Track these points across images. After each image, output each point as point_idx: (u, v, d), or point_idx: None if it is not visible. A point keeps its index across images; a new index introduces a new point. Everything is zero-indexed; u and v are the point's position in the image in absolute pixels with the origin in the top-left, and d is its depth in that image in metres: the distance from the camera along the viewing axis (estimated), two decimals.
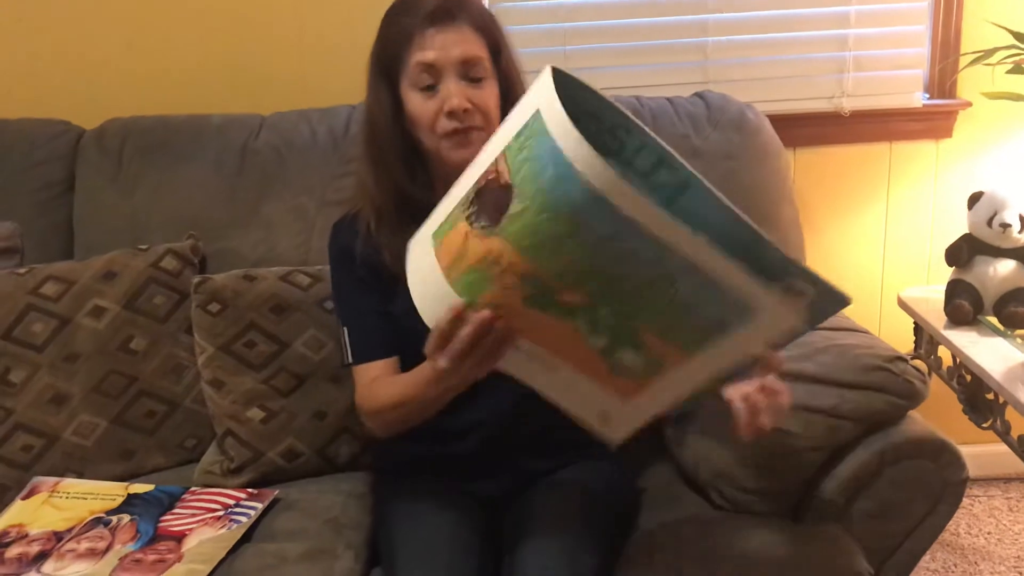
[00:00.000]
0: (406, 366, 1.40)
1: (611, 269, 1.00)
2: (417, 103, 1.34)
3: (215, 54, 2.09)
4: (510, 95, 1.38)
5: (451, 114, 1.32)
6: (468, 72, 1.33)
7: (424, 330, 1.22)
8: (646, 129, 1.09)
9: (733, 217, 1.06)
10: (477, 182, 1.05)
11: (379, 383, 1.40)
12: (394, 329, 1.40)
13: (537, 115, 0.97)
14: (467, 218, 1.05)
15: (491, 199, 1.03)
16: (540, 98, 0.98)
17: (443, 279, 1.07)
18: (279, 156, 1.87)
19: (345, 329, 1.44)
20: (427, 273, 1.09)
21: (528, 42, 2.13)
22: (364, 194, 1.43)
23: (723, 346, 1.05)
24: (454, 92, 1.31)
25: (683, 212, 1.03)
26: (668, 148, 1.09)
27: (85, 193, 1.89)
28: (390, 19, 1.38)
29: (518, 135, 1.00)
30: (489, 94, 1.35)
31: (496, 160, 1.02)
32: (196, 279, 1.63)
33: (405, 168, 1.39)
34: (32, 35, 2.07)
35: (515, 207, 0.99)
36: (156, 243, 1.75)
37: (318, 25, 2.08)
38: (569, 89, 0.97)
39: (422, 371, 1.28)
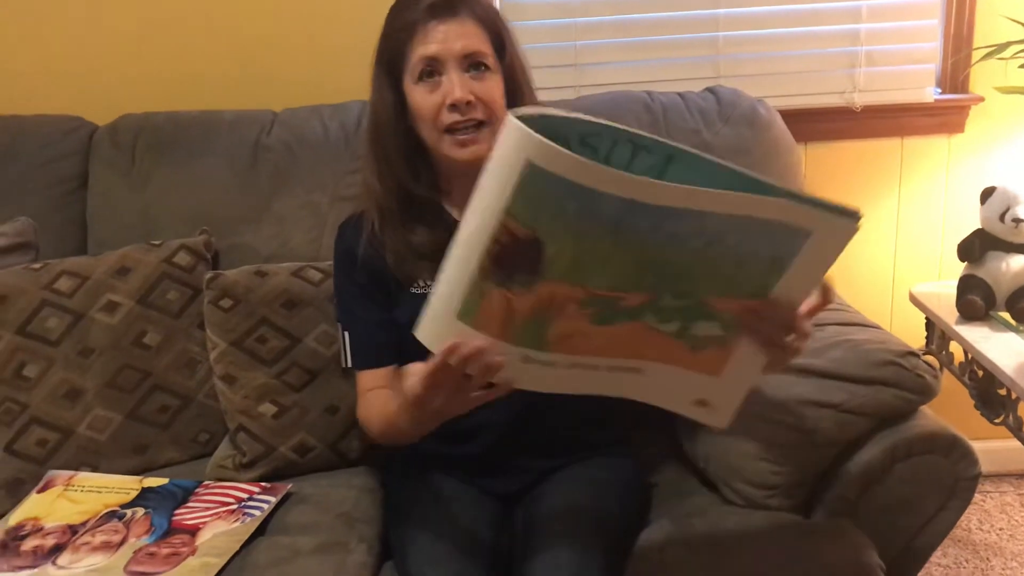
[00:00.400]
0: None
1: (660, 257, 1.04)
2: (419, 97, 1.34)
3: (227, 50, 2.10)
4: (515, 90, 1.37)
5: (453, 107, 1.31)
6: (470, 64, 1.32)
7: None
8: (611, 124, 1.08)
9: (726, 168, 1.07)
10: (486, 251, 1.04)
11: (377, 395, 1.40)
12: (395, 336, 1.40)
13: (531, 166, 0.99)
14: (498, 285, 1.06)
15: (517, 258, 1.05)
16: (525, 150, 0.99)
17: (500, 343, 1.08)
18: (291, 152, 1.88)
19: (345, 333, 1.45)
20: None
21: (539, 37, 2.14)
22: (368, 193, 1.43)
23: (788, 284, 1.07)
24: (456, 84, 1.31)
25: (678, 181, 1.02)
26: (637, 131, 1.08)
27: (98, 189, 1.90)
28: (393, 14, 1.37)
29: (516, 195, 1.01)
30: (493, 86, 1.34)
31: (501, 225, 1.03)
32: (208, 275, 1.63)
33: (408, 166, 1.39)
34: (45, 32, 2.08)
35: (551, 251, 1.03)
36: (169, 238, 1.76)
37: (330, 21, 2.09)
38: (534, 124, 0.98)
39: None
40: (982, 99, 2.16)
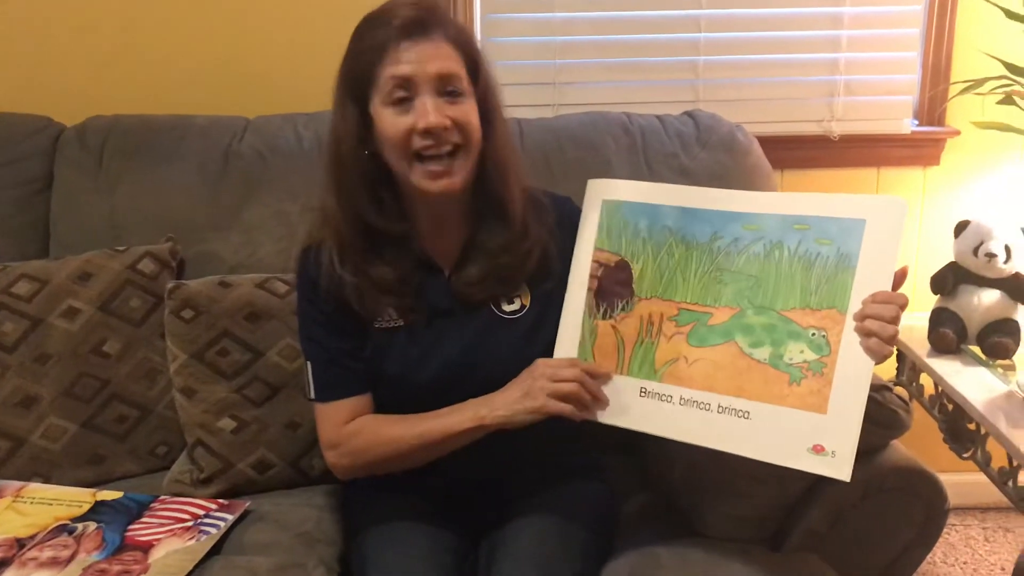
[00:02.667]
0: (378, 408, 1.38)
1: (732, 266, 1.18)
2: (389, 120, 1.25)
3: (202, 55, 2.07)
4: (489, 115, 1.31)
5: (426, 132, 1.24)
6: (445, 88, 1.25)
7: (399, 373, 1.33)
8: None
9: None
10: (588, 289, 1.27)
11: (365, 422, 1.36)
12: (364, 366, 1.36)
13: (606, 203, 1.27)
14: (603, 316, 1.25)
15: (613, 285, 1.26)
16: (599, 193, 1.29)
17: (619, 378, 1.24)
18: (263, 160, 1.85)
19: (309, 364, 1.38)
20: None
21: (519, 55, 2.12)
22: (327, 221, 1.34)
23: (863, 279, 1.12)
24: (431, 108, 1.23)
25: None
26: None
27: (63, 191, 1.85)
28: (361, 33, 1.29)
29: (600, 229, 1.27)
30: (468, 110, 1.27)
31: (593, 260, 1.27)
32: (170, 285, 1.59)
33: (371, 195, 1.30)
34: (15, 29, 2.04)
35: (636, 268, 1.25)
36: (134, 244, 1.72)
37: (306, 30, 2.06)
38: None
39: (457, 419, 1.28)
40: (958, 132, 2.17)
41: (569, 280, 1.29)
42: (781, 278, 1.15)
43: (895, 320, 1.11)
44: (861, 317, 1.12)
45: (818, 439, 1.12)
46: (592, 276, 1.27)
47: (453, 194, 1.29)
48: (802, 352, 1.13)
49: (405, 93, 1.25)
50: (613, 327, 1.25)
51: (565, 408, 1.23)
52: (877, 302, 1.12)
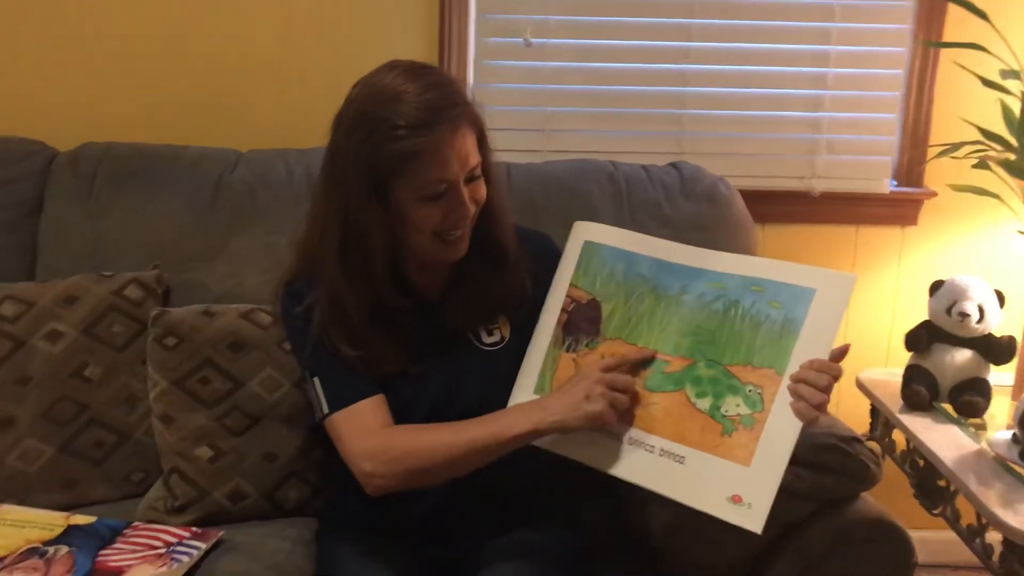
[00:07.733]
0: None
1: (694, 319, 1.23)
2: (423, 212, 1.28)
3: (197, 87, 2.10)
4: (488, 171, 1.35)
5: (460, 219, 1.30)
6: (471, 175, 1.30)
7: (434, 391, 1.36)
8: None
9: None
10: (557, 321, 1.32)
11: (408, 428, 1.31)
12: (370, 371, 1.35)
13: (588, 244, 1.33)
14: (567, 349, 1.30)
15: (581, 321, 1.30)
16: (582, 234, 1.35)
17: None
18: (252, 192, 1.87)
19: (316, 380, 1.34)
20: None
21: (511, 100, 2.16)
22: (334, 305, 1.33)
23: (802, 345, 1.16)
24: (466, 200, 1.29)
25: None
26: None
27: (53, 215, 1.86)
28: (387, 133, 1.25)
29: (578, 267, 1.33)
30: (483, 188, 1.33)
31: (567, 295, 1.32)
32: (154, 312, 1.61)
33: (392, 275, 1.34)
34: (13, 54, 2.07)
35: (606, 310, 1.29)
36: (121, 270, 1.73)
37: (301, 65, 2.10)
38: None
39: (509, 423, 1.25)
40: (935, 194, 2.22)
41: (543, 310, 1.34)
42: (732, 334, 1.20)
43: (827, 389, 1.14)
44: (795, 379, 1.16)
45: (738, 489, 1.15)
46: (563, 310, 1.31)
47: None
48: (738, 406, 1.17)
49: (445, 188, 1.28)
50: (574, 361, 1.29)
51: (614, 419, 1.22)
52: (813, 369, 1.15)
